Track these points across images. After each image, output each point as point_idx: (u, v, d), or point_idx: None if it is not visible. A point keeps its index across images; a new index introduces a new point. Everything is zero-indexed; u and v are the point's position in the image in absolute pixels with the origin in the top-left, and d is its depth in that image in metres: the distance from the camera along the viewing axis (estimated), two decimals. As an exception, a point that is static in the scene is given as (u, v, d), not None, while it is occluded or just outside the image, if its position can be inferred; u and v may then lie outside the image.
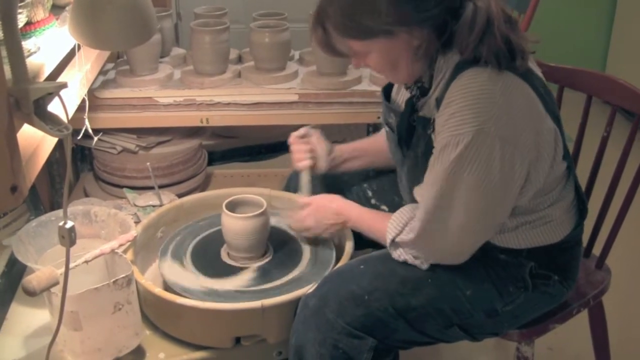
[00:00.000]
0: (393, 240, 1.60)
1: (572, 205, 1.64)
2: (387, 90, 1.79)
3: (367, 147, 1.99)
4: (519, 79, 1.45)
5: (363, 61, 1.57)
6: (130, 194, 2.23)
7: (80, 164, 2.64)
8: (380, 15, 1.42)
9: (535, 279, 1.63)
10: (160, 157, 2.36)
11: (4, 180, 1.06)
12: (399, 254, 1.59)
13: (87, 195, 2.46)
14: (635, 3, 4.19)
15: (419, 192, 1.56)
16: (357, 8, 1.43)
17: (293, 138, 1.96)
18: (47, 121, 1.13)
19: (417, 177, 1.58)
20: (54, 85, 1.12)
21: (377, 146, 1.95)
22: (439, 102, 1.49)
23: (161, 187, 2.26)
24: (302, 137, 1.95)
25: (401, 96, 1.72)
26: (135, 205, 2.17)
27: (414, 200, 1.59)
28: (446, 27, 1.45)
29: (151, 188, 2.26)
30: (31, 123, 1.12)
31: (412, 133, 1.61)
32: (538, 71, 1.53)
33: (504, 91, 1.42)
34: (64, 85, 1.13)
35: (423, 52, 1.49)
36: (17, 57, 1.09)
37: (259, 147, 2.85)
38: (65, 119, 1.17)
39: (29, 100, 1.09)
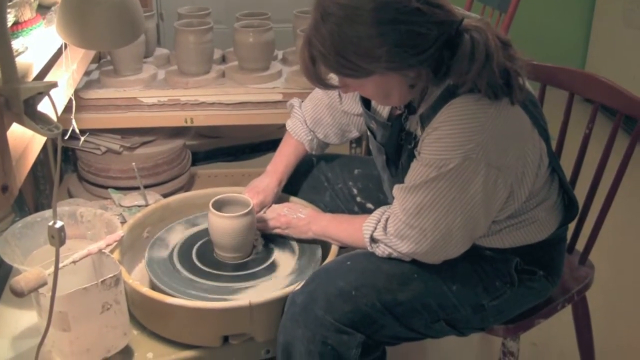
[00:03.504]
0: (372, 237, 1.60)
1: (556, 205, 1.66)
2: (365, 99, 1.78)
3: (293, 161, 2.00)
4: (510, 104, 1.45)
5: (353, 90, 1.57)
6: (115, 195, 2.23)
7: (63, 165, 2.63)
8: (376, 60, 1.39)
9: (521, 274, 1.65)
10: (144, 158, 2.36)
11: (-6, 180, 1.06)
12: (382, 250, 1.60)
13: (71, 196, 2.45)
14: (613, 2, 4.24)
15: (397, 193, 1.56)
16: (352, 50, 1.39)
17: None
18: (37, 121, 1.13)
19: (398, 183, 1.59)
20: (44, 84, 1.12)
21: (294, 157, 1.99)
22: (423, 118, 1.51)
23: (145, 187, 2.26)
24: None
25: (381, 105, 1.74)
26: (121, 206, 2.16)
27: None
28: (443, 61, 1.43)
29: (135, 188, 2.26)
30: (21, 123, 1.12)
31: (401, 151, 1.63)
32: (526, 81, 1.51)
33: (494, 118, 1.43)
34: (54, 85, 1.13)
35: (418, 83, 1.49)
36: (7, 56, 1.09)
37: (243, 146, 2.85)
38: (54, 119, 1.17)
39: (19, 99, 1.09)
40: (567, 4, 4.61)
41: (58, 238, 1.26)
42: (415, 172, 1.50)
